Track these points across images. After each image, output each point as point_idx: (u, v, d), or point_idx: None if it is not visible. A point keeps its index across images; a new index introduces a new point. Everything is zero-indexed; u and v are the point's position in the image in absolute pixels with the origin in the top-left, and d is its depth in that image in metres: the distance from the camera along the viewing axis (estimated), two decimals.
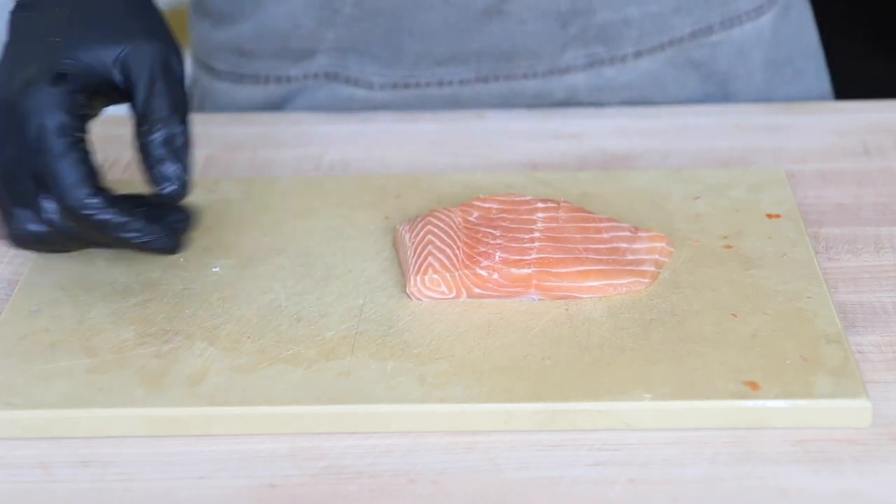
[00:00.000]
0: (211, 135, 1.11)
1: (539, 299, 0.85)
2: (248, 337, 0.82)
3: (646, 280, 0.85)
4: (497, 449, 0.75)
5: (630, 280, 0.85)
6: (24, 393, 0.78)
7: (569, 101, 1.12)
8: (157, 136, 0.82)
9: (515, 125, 1.11)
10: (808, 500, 0.72)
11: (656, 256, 0.87)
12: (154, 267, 0.89)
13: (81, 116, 0.82)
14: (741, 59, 1.14)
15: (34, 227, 0.82)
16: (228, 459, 0.75)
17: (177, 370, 0.80)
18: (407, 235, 0.89)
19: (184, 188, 0.82)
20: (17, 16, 0.85)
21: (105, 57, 0.82)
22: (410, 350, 0.81)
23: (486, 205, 0.90)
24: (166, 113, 0.82)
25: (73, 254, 0.89)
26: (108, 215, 0.81)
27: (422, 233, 0.88)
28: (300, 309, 0.85)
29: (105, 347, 0.82)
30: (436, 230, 0.87)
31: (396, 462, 0.75)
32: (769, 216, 0.93)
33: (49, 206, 0.81)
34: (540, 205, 0.89)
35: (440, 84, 1.11)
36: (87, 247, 0.86)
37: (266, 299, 0.86)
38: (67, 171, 0.80)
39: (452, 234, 0.87)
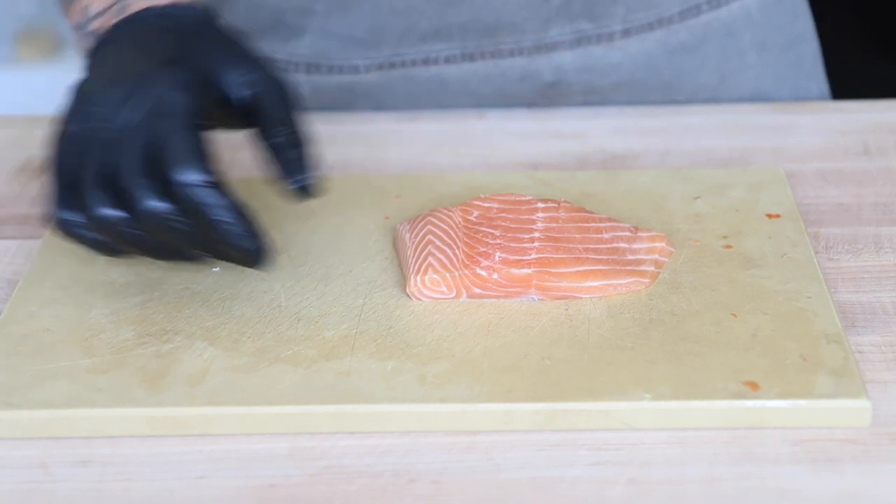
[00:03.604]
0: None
1: (539, 299, 0.85)
2: (248, 337, 0.82)
3: (646, 280, 0.85)
4: (497, 449, 0.75)
5: (630, 280, 0.85)
6: (24, 393, 0.78)
7: (558, 84, 1.12)
8: (289, 140, 0.84)
9: (515, 125, 1.11)
10: (808, 500, 0.72)
11: (656, 256, 0.87)
12: (154, 267, 0.89)
13: (203, 110, 0.81)
14: (731, 39, 1.14)
15: (108, 211, 0.79)
16: (228, 459, 0.75)
17: (177, 370, 0.80)
18: (407, 235, 0.89)
19: (316, 187, 0.84)
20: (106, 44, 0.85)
21: (236, 75, 0.83)
22: (410, 350, 0.81)
23: (487, 204, 0.90)
24: (297, 127, 0.84)
25: (74, 254, 0.89)
26: (214, 193, 0.78)
27: (422, 233, 0.88)
28: (300, 309, 0.85)
29: (105, 347, 0.82)
30: (436, 230, 0.87)
31: (396, 462, 0.75)
32: (769, 216, 0.93)
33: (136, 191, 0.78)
34: (540, 205, 0.89)
35: (426, 62, 1.11)
36: (140, 252, 0.82)
37: (266, 299, 0.86)
38: (188, 143, 0.78)
39: (452, 233, 0.87)
